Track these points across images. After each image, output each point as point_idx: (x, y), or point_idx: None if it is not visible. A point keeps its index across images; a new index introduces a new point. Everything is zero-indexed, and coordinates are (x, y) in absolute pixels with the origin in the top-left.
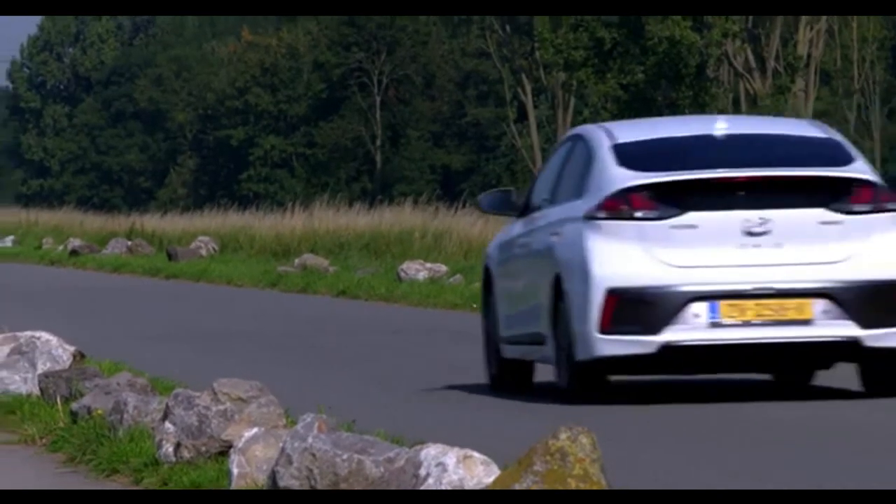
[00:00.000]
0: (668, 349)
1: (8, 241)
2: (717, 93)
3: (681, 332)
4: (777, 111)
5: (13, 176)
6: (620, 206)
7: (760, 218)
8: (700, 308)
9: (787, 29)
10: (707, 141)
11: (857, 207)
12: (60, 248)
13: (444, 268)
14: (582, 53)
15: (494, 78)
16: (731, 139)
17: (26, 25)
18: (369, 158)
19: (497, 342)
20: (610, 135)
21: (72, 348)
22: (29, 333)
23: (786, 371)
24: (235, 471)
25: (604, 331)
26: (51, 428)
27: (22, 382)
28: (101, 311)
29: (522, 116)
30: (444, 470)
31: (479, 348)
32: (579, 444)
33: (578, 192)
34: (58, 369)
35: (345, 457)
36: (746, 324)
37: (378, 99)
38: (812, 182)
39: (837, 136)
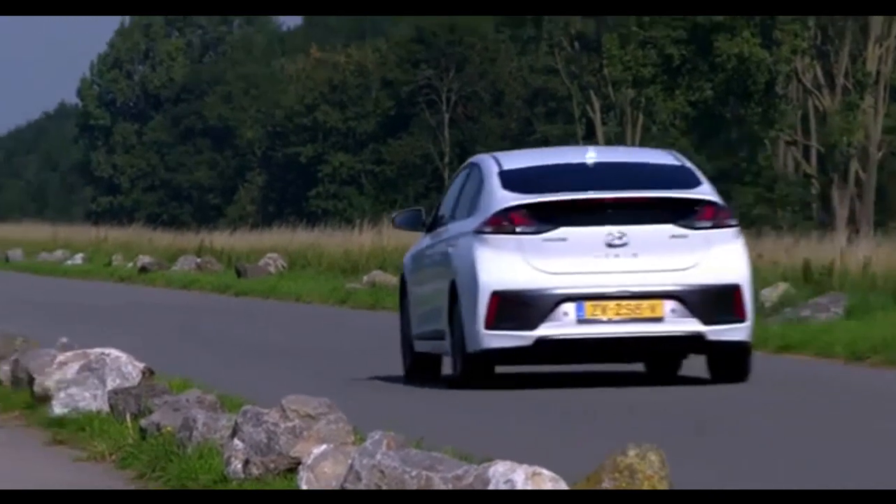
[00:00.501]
0: (542, 342)
1: (78, 259)
2: (786, 109)
3: (553, 328)
4: (846, 128)
5: (83, 193)
6: (503, 222)
7: (620, 232)
8: (569, 307)
9: (856, 46)
10: (578, 168)
11: (700, 224)
12: (130, 265)
13: None
14: (650, 70)
15: (563, 95)
16: (598, 166)
17: (96, 43)
18: (437, 175)
19: (410, 339)
20: (498, 163)
21: (141, 365)
22: (99, 350)
23: (646, 361)
24: (304, 487)
25: (489, 327)
26: (120, 444)
27: (92, 399)
28: (171, 327)
29: (591, 133)
30: (513, 486)
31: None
32: (648, 462)
33: (471, 210)
34: (127, 386)
35: (413, 474)
36: (608, 321)
37: (447, 116)
38: (663, 202)
39: (688, 164)
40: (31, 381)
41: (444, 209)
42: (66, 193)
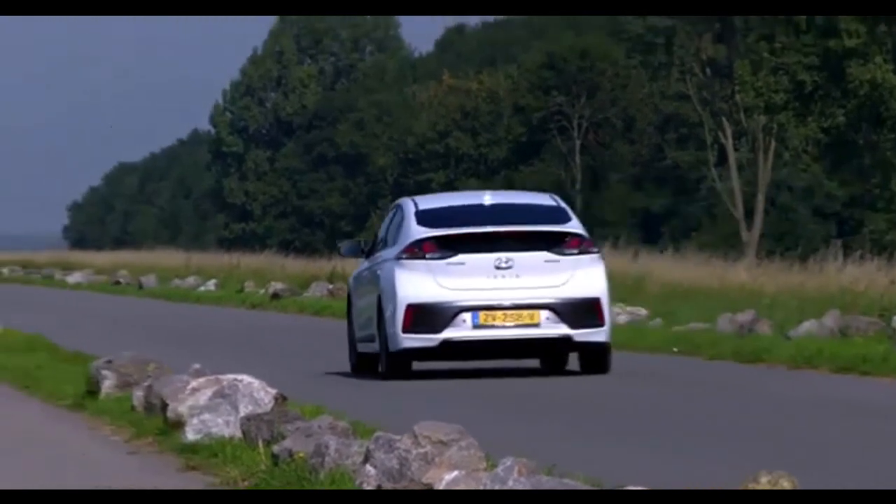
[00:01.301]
0: (447, 343)
1: (210, 285)
2: None
3: (454, 332)
4: None
5: (216, 220)
6: (416, 250)
7: (506, 258)
8: (466, 316)
9: None
10: (476, 208)
11: (569, 251)
12: (262, 291)
13: (644, 311)
14: (783, 96)
15: (694, 121)
16: (493, 207)
17: (229, 70)
18: (569, 202)
19: (354, 342)
20: (416, 204)
21: (273, 391)
22: (231, 376)
23: (541, 360)
24: None
25: (405, 331)
26: (253, 470)
27: (224, 425)
28: (303, 354)
29: (723, 160)
30: None
31: (672, 388)
32: (780, 489)
33: (394, 241)
34: (259, 412)
35: None
36: (497, 326)
37: (578, 142)
38: (540, 235)
39: (563, 204)
40: (164, 407)
41: (378, 240)
42: (198, 220)
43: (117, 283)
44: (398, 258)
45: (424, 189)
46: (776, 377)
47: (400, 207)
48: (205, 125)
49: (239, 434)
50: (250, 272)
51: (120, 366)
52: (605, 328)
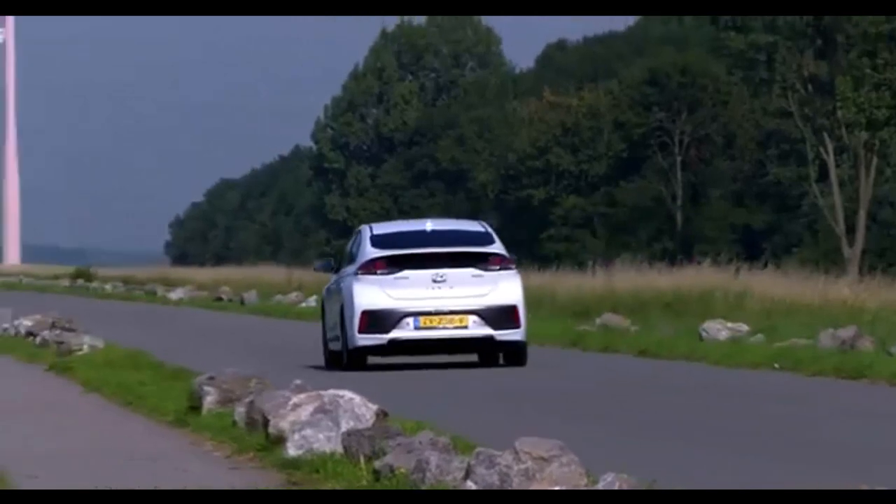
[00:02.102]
0: (393, 342)
1: (312, 301)
2: None
3: (399, 333)
4: None
5: (317, 236)
6: (369, 267)
7: (441, 273)
8: (409, 320)
9: None
10: (420, 233)
11: (492, 267)
12: None
13: (745, 327)
14: (884, 112)
15: (796, 137)
16: (432, 232)
17: (331, 86)
18: (670, 218)
19: (326, 342)
20: (371, 230)
21: (374, 407)
22: (332, 392)
23: (479, 355)
24: None
25: (360, 332)
26: (354, 486)
27: (326, 441)
28: (403, 369)
29: (824, 176)
30: None
31: (775, 407)
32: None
33: (354, 260)
34: (361, 428)
35: None
36: (434, 328)
37: (678, 158)
38: (469, 255)
39: (489, 230)
40: (265, 422)
41: (344, 259)
42: (300, 236)
43: (219, 299)
44: (356, 273)
45: (525, 205)
46: (878, 393)
47: (360, 232)
48: (306, 141)
49: (340, 450)
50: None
51: (222, 382)
52: (521, 329)
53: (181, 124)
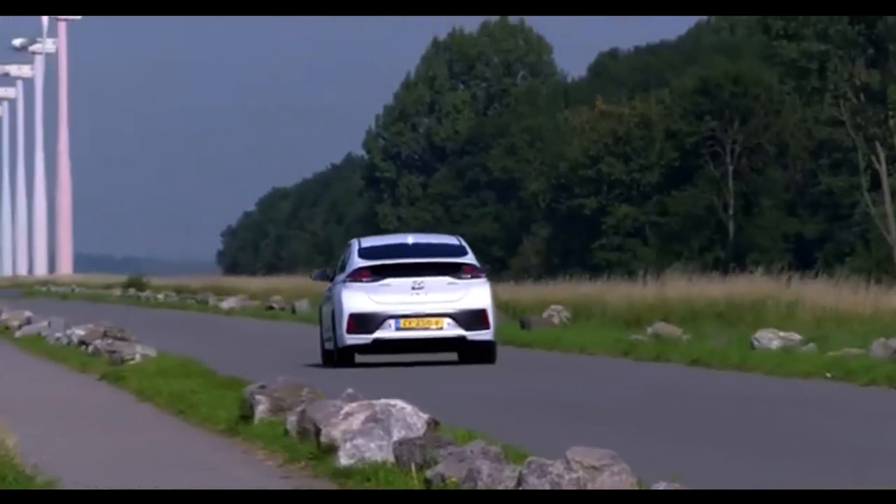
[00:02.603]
0: (377, 341)
1: None
2: None
3: (383, 333)
4: None
5: None
6: (356, 276)
7: (419, 281)
8: (391, 322)
9: None
10: (402, 245)
11: (464, 276)
12: None
13: (797, 336)
14: None
15: (848, 146)
16: (413, 244)
17: (382, 95)
18: (722, 227)
19: (322, 342)
20: (360, 243)
21: (426, 416)
22: (384, 401)
23: (459, 354)
24: None
25: (348, 333)
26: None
27: (377, 450)
28: (454, 379)
29: (876, 184)
30: None
31: (827, 417)
32: None
33: (344, 269)
34: (412, 437)
35: None
36: (413, 329)
37: (730, 167)
38: (444, 265)
39: (463, 243)
40: (317, 431)
41: (337, 269)
42: None
43: (271, 307)
44: (345, 281)
45: (577, 214)
46: None
47: (350, 245)
48: (358, 150)
49: (392, 459)
50: None
51: (273, 391)
52: (490, 330)
53: (233, 133)
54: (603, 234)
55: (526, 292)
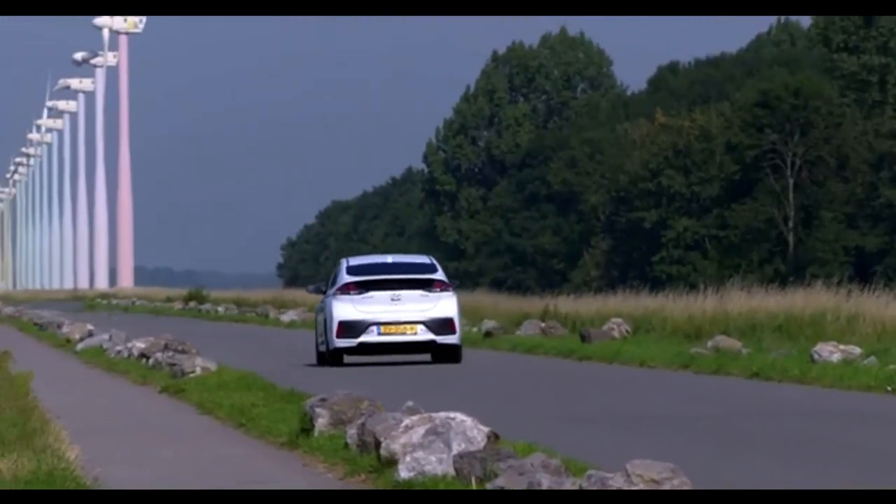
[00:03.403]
0: (362, 344)
1: None
2: None
3: (366, 338)
4: None
5: None
6: (345, 290)
7: (397, 294)
8: (374, 328)
9: None
10: (383, 264)
11: (434, 290)
12: (475, 329)
13: (857, 350)
14: None
15: None
16: (392, 263)
17: (442, 108)
18: (782, 240)
19: (317, 345)
20: (348, 262)
21: (486, 429)
22: (444, 414)
23: (432, 355)
24: None
25: (338, 337)
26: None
27: (437, 463)
28: (516, 392)
29: None
30: None
31: (889, 431)
32: None
33: (335, 284)
34: (472, 450)
35: None
36: (392, 334)
37: (791, 180)
38: (418, 280)
39: (434, 261)
40: (377, 444)
41: (329, 284)
42: None
43: None
44: (335, 294)
45: (636, 227)
46: None
47: (340, 263)
48: (418, 163)
49: (452, 472)
50: (464, 310)
51: (333, 403)
52: (457, 335)
53: (293, 147)
54: (663, 247)
55: (586, 305)
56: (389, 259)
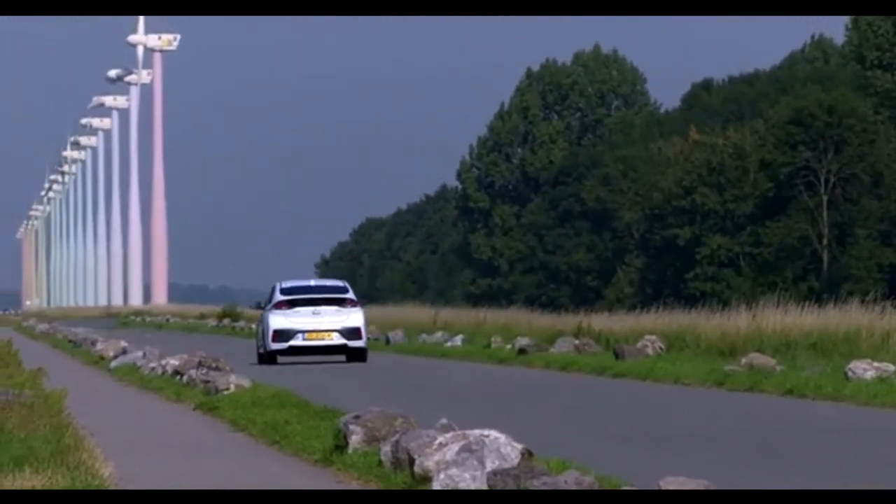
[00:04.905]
0: (291, 347)
1: (457, 340)
2: None
3: (294, 342)
4: None
5: (462, 275)
6: (279, 306)
7: (318, 309)
8: (300, 335)
9: None
10: (307, 286)
11: (346, 306)
12: (508, 346)
13: (892, 367)
14: None
15: None
16: (314, 286)
17: (477, 126)
18: (816, 257)
19: (258, 348)
20: (281, 284)
21: (520, 446)
22: (478, 432)
23: (346, 356)
24: None
25: (273, 342)
26: None
27: (471, 480)
28: (550, 409)
29: None
30: None
31: None
32: None
33: (270, 301)
34: (506, 467)
35: None
36: (313, 340)
37: (825, 198)
38: (333, 299)
39: (346, 284)
40: (411, 461)
41: (266, 301)
42: (445, 275)
43: None
44: (270, 309)
45: (671, 244)
46: None
47: (274, 286)
48: (452, 181)
49: (486, 489)
50: (497, 327)
51: (367, 421)
52: (363, 341)
53: (327, 164)
54: (697, 265)
55: (619, 322)
56: (312, 283)
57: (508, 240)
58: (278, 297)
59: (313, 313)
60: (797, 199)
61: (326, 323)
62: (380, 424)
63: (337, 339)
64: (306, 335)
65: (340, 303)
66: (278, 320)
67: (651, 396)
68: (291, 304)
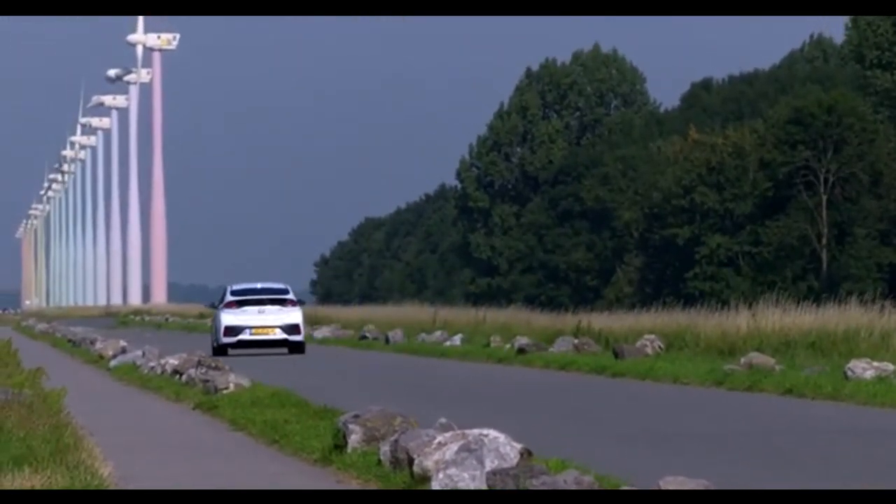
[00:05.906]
0: (240, 341)
1: (456, 340)
2: None
3: (243, 336)
4: None
5: (461, 275)
6: (230, 305)
7: (263, 308)
8: (247, 330)
9: None
10: (254, 288)
11: (287, 305)
12: (508, 346)
13: (891, 366)
14: None
15: None
16: (260, 288)
17: (476, 126)
18: (815, 257)
19: (212, 342)
20: (231, 287)
21: (519, 446)
22: (477, 431)
23: (287, 349)
24: None
25: (224, 336)
26: None
27: (470, 479)
28: (549, 409)
29: None
30: None
31: None
32: None
33: (222, 301)
34: (505, 467)
35: None
36: (259, 335)
37: (824, 197)
38: (276, 299)
39: (288, 287)
40: (410, 461)
41: (219, 301)
42: (444, 275)
43: (364, 337)
44: (222, 308)
45: (670, 244)
46: None
47: (226, 288)
48: (451, 180)
49: (485, 488)
50: (497, 327)
51: (367, 420)
52: (301, 336)
53: (326, 164)
54: (696, 264)
55: (619, 322)
56: (259, 285)
57: (508, 239)
58: (229, 297)
59: (259, 312)
60: (796, 198)
61: (270, 320)
62: (379, 424)
63: (279, 335)
64: (253, 330)
65: (282, 303)
66: (229, 318)
67: (650, 396)
68: (240, 304)
